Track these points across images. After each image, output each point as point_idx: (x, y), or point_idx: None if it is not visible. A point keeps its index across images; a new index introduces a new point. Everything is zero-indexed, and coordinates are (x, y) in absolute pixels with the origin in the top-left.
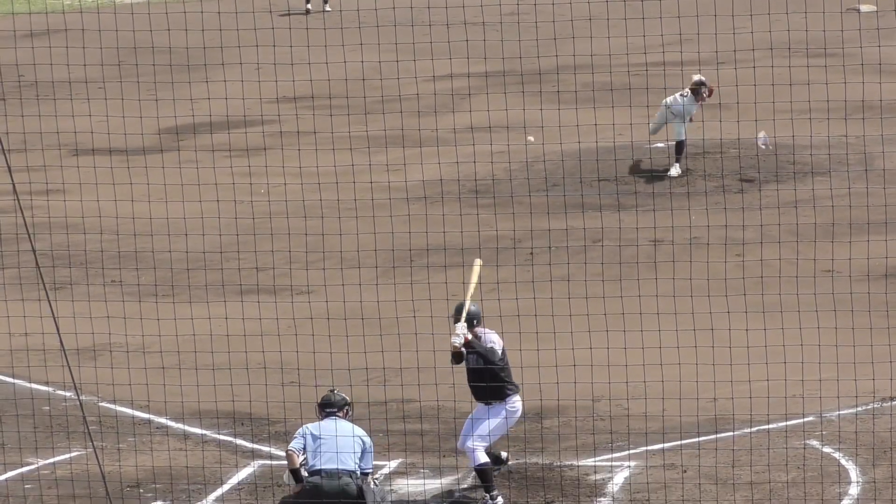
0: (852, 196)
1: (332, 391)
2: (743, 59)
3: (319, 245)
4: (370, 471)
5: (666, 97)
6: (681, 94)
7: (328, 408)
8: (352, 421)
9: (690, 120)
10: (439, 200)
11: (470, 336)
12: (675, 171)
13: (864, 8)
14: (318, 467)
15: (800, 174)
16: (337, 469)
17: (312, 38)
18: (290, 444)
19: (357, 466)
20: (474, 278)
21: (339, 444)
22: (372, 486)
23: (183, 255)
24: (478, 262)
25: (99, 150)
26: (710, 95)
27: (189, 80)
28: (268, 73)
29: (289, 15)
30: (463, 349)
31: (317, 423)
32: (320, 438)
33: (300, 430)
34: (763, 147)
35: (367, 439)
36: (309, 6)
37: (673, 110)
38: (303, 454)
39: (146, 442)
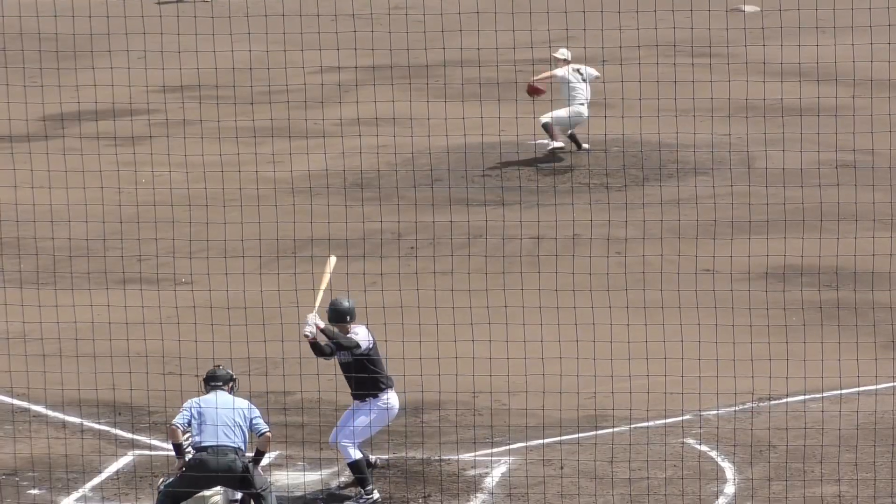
0: (734, 195)
1: (217, 366)
2: (628, 56)
3: (203, 234)
4: (269, 431)
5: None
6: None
7: (213, 381)
8: (234, 395)
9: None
10: (324, 192)
11: (322, 325)
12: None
13: (748, 8)
14: (205, 443)
15: (682, 172)
16: (223, 445)
17: (199, 27)
18: (175, 419)
19: (243, 442)
20: (327, 270)
21: (225, 420)
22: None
23: (65, 242)
24: (332, 258)
25: None
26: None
27: (75, 67)
28: (154, 61)
29: (178, 3)
30: (319, 340)
31: (202, 397)
32: (205, 413)
33: (186, 403)
34: None
35: (253, 408)
36: None
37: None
38: (188, 429)
39: (24, 430)
